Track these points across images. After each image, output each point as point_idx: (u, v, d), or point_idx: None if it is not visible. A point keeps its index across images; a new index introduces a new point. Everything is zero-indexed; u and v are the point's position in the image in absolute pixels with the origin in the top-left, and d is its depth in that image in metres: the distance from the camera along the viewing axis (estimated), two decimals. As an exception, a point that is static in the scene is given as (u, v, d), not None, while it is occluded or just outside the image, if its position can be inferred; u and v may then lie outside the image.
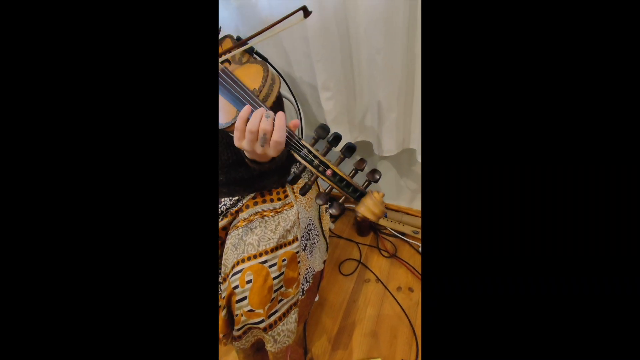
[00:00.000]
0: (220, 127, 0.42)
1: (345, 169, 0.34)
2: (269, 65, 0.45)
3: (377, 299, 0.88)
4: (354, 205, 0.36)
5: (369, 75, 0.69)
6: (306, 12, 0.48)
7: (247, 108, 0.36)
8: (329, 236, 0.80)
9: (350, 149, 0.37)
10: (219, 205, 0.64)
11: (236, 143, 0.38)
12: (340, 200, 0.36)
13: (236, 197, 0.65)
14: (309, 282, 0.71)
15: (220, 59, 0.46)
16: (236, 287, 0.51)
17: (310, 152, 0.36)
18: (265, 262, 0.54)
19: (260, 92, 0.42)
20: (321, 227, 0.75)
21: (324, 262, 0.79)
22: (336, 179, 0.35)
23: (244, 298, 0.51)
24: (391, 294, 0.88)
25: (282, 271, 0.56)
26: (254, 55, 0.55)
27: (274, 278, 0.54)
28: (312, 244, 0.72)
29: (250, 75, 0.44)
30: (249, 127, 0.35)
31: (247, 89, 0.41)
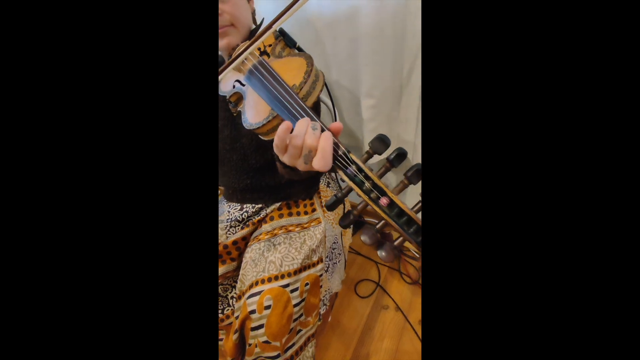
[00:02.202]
0: (250, 127, 0.36)
1: (409, 201, 0.27)
2: (314, 60, 0.38)
3: (396, 330, 0.80)
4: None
5: (421, 87, 0.62)
6: None
7: (286, 125, 0.30)
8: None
9: (418, 173, 0.28)
10: (241, 212, 0.59)
11: (276, 152, 0.32)
12: (396, 242, 0.28)
13: (259, 205, 0.59)
14: (325, 305, 0.65)
15: (253, 48, 0.39)
16: (253, 311, 0.46)
17: (360, 170, 0.28)
18: (287, 285, 0.48)
19: (300, 90, 0.35)
20: (342, 243, 0.69)
21: (342, 281, 0.73)
22: (393, 211, 0.27)
23: (261, 326, 0.45)
24: (412, 327, 0.80)
25: (303, 297, 0.50)
26: (296, 50, 0.48)
27: (295, 305, 0.48)
28: (334, 263, 0.66)
29: (291, 70, 0.38)
30: (293, 142, 0.29)
31: (286, 84, 0.35)
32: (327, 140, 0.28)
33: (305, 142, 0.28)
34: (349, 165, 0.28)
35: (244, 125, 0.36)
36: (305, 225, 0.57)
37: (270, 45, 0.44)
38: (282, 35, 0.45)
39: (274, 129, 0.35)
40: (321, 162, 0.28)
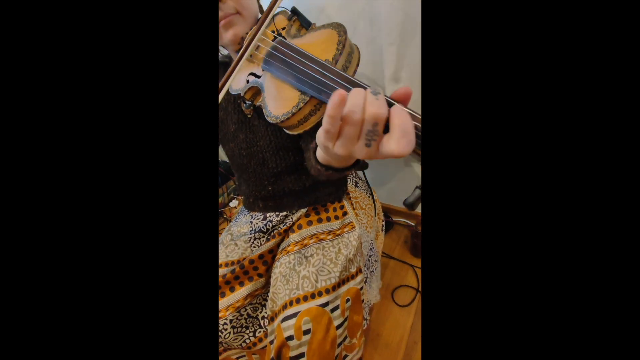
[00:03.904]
0: (276, 120, 0.29)
1: None
2: (345, 28, 0.30)
3: (446, 343, 0.71)
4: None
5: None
6: None
7: (340, 95, 0.21)
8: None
9: None
10: (264, 222, 0.53)
11: (324, 142, 0.23)
12: None
13: (284, 213, 0.53)
14: (366, 319, 0.57)
15: (264, 28, 0.33)
16: (290, 337, 0.39)
17: None
18: (327, 304, 0.41)
19: (335, 64, 0.28)
20: (376, 248, 0.61)
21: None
22: None
23: (301, 355, 0.38)
24: (465, 338, 0.70)
25: (346, 316, 0.43)
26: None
27: (338, 327, 0.41)
28: (371, 272, 0.59)
29: (318, 44, 0.31)
30: (350, 118, 0.21)
31: (318, 58, 0.28)
32: (402, 114, 0.20)
33: (367, 112, 0.20)
34: None
35: (268, 119, 0.30)
36: (337, 232, 0.51)
37: (284, 29, 0.38)
38: (295, 14, 0.39)
39: (306, 117, 0.28)
40: (402, 142, 0.19)
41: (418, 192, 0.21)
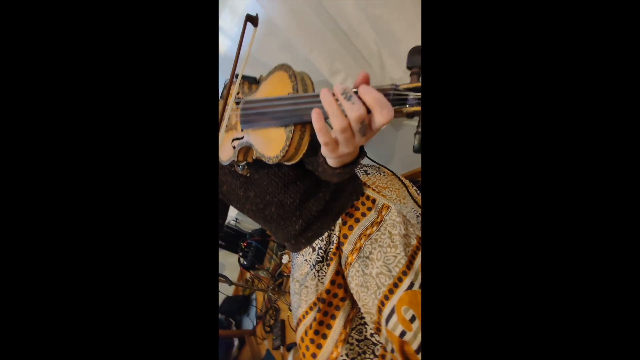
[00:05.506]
0: (277, 159, 0.33)
1: None
2: (288, 64, 0.36)
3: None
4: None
5: (368, 27, 0.58)
6: (253, 20, 0.40)
7: (316, 113, 0.26)
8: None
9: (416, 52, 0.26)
10: (315, 252, 0.55)
11: (330, 154, 0.29)
12: None
13: (325, 234, 0.55)
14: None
15: (231, 102, 0.39)
16: (402, 333, 0.39)
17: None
18: (412, 285, 0.41)
19: (297, 92, 0.33)
20: (424, 211, 0.60)
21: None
22: None
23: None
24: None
25: (436, 284, 0.42)
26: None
27: (436, 297, 0.40)
28: (433, 234, 0.58)
29: (275, 87, 0.36)
30: (337, 127, 0.25)
31: (282, 96, 0.33)
32: (371, 92, 0.24)
33: (351, 117, 0.24)
34: (407, 97, 0.24)
35: (270, 162, 0.34)
36: (378, 220, 0.52)
37: (238, 93, 0.45)
38: (243, 78, 0.45)
39: (299, 143, 0.32)
40: (384, 111, 0.23)
41: (418, 136, 0.24)
